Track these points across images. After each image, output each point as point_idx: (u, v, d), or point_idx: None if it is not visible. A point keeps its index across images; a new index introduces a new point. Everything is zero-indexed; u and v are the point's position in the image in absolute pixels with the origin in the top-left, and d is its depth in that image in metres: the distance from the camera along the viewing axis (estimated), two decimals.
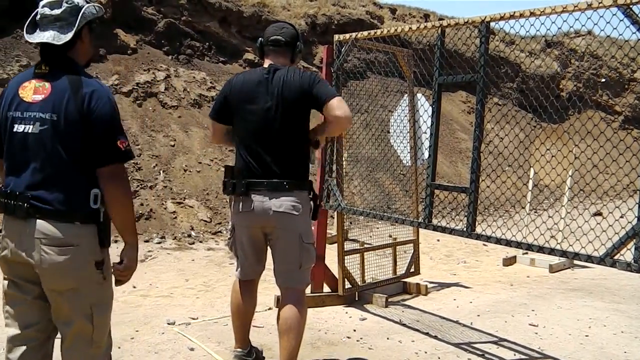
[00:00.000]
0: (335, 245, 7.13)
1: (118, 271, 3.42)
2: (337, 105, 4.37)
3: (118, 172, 3.24)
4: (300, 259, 4.58)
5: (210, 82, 15.64)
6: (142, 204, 11.13)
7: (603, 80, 26.52)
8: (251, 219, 4.58)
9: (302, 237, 4.56)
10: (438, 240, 11.70)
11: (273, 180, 4.48)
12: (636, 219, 4.10)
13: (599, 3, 4.29)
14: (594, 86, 27.12)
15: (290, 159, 4.56)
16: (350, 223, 11.11)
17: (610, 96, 27.53)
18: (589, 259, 4.38)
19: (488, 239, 5.04)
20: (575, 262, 9.84)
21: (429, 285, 8.06)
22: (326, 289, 7.06)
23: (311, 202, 4.71)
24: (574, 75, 26.68)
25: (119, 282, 3.49)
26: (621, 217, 4.39)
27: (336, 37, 6.73)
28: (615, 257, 4.22)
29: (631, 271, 4.10)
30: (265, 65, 4.68)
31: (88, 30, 3.36)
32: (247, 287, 4.94)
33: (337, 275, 6.99)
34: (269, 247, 4.76)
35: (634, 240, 4.09)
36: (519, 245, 4.81)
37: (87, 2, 3.31)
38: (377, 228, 8.33)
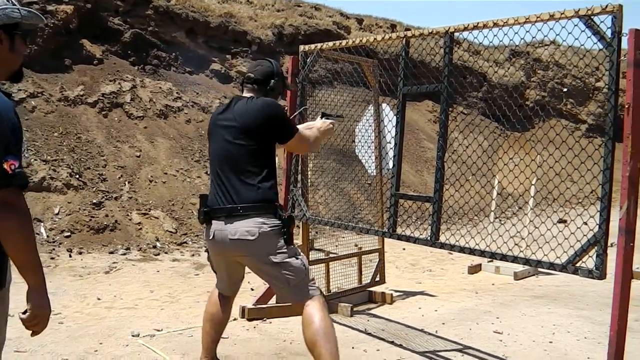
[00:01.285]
0: None
1: (26, 322, 2.84)
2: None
3: (8, 200, 2.68)
4: (284, 278, 4.44)
5: (177, 93, 15.64)
6: (107, 215, 11.09)
7: (565, 89, 26.79)
8: (216, 247, 4.60)
9: (271, 257, 4.41)
10: (404, 249, 11.74)
11: (228, 206, 4.46)
12: (597, 226, 4.16)
13: (561, 14, 4.36)
14: (558, 95, 27.38)
15: (248, 184, 4.49)
16: (316, 233, 11.14)
17: (574, 105, 27.80)
18: (552, 266, 4.44)
19: (452, 247, 5.08)
20: (540, 269, 9.93)
21: (395, 294, 8.09)
22: None
23: (280, 226, 4.47)
24: (539, 85, 26.93)
25: (34, 333, 2.93)
26: (584, 224, 4.44)
27: (302, 47, 6.77)
28: (578, 265, 4.27)
29: (593, 278, 4.16)
30: None
31: (8, 37, 2.84)
32: (223, 300, 4.93)
33: None
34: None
35: (596, 247, 4.14)
36: (482, 253, 4.86)
37: (13, 4, 2.84)
38: (343, 237, 8.34)
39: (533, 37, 4.83)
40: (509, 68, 25.50)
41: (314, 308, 4.46)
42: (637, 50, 3.85)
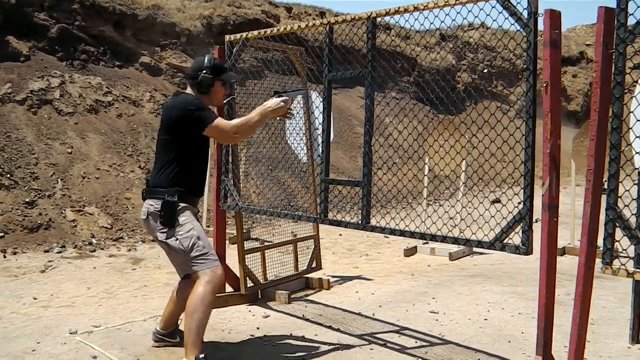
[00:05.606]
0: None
1: None
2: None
3: None
4: (171, 254, 5.20)
5: (107, 87, 15.45)
6: (40, 214, 10.93)
7: (485, 70, 27.13)
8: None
9: (157, 235, 5.12)
10: (340, 235, 11.81)
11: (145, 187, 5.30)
12: (521, 203, 4.24)
13: None
14: (489, 77, 27.71)
15: (156, 171, 5.22)
16: (253, 223, 11.15)
17: (505, 86, 28.16)
18: (480, 244, 4.51)
19: (382, 230, 5.15)
20: (475, 249, 10.09)
21: (332, 280, 8.14)
22: (229, 289, 7.06)
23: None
24: (469, 67, 27.22)
25: None
26: (519, 203, 4.52)
27: (227, 37, 6.76)
28: (505, 241, 4.35)
29: (519, 254, 4.24)
30: None
31: None
32: (183, 282, 5.45)
33: (238, 275, 7.02)
34: None
35: (521, 224, 4.23)
36: (412, 234, 4.91)
37: None
38: (279, 226, 8.34)
39: (464, 18, 4.85)
40: (439, 52, 25.70)
41: (199, 284, 4.97)
42: (552, 30, 3.93)
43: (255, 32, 6.53)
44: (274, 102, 5.31)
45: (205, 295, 4.87)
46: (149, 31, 17.43)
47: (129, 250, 10.62)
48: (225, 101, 6.31)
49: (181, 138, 5.10)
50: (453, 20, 4.92)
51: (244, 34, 6.57)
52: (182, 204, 5.10)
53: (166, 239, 5.05)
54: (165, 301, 5.93)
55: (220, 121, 5.20)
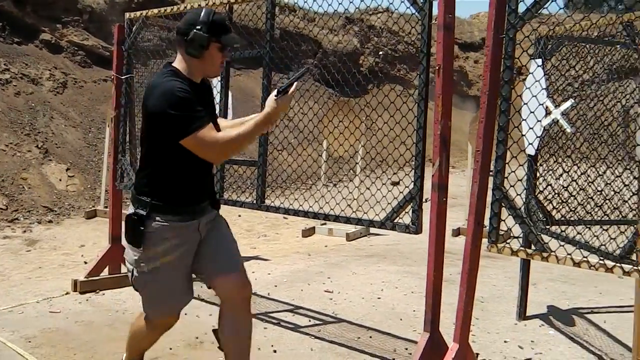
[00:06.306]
0: None
1: None
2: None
3: None
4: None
5: (4, 64, 15.08)
6: None
7: (381, 53, 27.47)
8: None
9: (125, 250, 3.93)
10: (239, 216, 11.83)
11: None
12: (412, 184, 4.34)
13: None
14: (392, 61, 28.01)
15: (138, 166, 3.95)
16: None
17: (407, 71, 28.51)
18: (372, 223, 4.60)
19: (277, 209, 5.19)
20: (373, 230, 10.24)
21: None
22: (123, 269, 7.00)
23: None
24: (373, 51, 27.46)
25: None
26: (411, 183, 4.61)
27: (127, 15, 6.72)
28: (395, 221, 4.45)
29: (409, 232, 4.36)
30: None
31: None
32: None
33: None
34: None
35: (411, 203, 4.33)
36: (306, 214, 4.99)
37: None
38: None
39: (361, 1, 4.94)
40: (343, 35, 25.85)
41: (141, 316, 4.17)
42: (446, 14, 4.01)
43: (156, 10, 6.48)
44: (269, 106, 3.66)
45: (138, 332, 4.16)
46: (50, 7, 17.08)
47: (25, 231, 10.43)
48: (123, 77, 6.17)
49: (161, 134, 3.62)
50: (351, 2, 4.99)
51: (144, 12, 6.52)
52: (157, 223, 3.70)
53: (127, 261, 3.88)
54: (59, 283, 5.85)
55: (206, 133, 3.55)
